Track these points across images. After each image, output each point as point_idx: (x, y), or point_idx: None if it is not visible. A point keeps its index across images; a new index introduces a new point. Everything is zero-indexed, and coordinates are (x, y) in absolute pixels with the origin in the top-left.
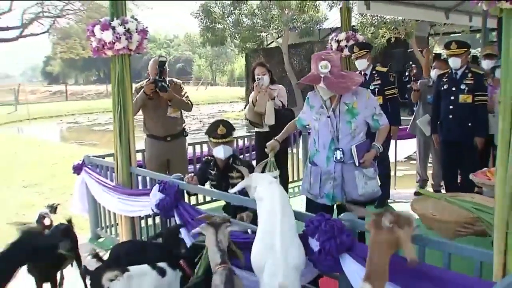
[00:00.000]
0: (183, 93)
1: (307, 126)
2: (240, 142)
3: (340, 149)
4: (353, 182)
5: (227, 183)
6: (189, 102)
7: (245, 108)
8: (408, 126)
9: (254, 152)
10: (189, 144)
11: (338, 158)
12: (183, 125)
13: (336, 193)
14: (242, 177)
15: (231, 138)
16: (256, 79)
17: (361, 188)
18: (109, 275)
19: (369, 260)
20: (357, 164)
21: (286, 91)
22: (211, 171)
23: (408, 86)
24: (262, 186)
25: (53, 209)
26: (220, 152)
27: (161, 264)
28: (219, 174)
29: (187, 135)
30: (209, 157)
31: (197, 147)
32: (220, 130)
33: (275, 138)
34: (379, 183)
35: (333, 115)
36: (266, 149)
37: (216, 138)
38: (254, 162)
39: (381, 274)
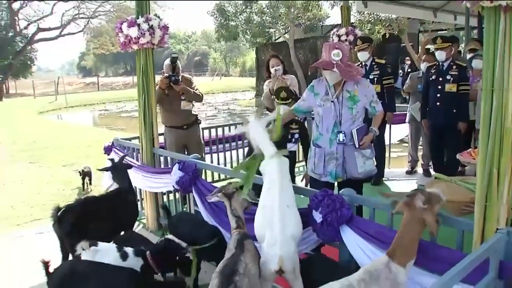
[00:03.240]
0: (193, 86)
1: (311, 112)
2: None
3: (343, 132)
4: (353, 161)
5: (287, 132)
6: (200, 94)
7: (255, 96)
8: (402, 113)
9: None
10: (205, 129)
11: (341, 140)
12: (196, 115)
13: (338, 171)
14: (299, 128)
15: (290, 101)
16: (272, 70)
17: (360, 167)
18: (83, 244)
19: (399, 238)
20: (357, 146)
21: None
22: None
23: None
24: (264, 151)
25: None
26: (281, 110)
27: (127, 249)
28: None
29: (200, 122)
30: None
31: (213, 131)
32: (282, 94)
33: None
34: (375, 163)
35: (337, 101)
36: None
37: (278, 99)
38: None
39: (409, 251)
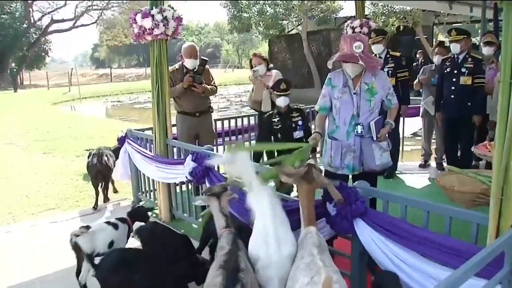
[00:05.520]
0: (211, 78)
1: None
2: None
3: (361, 124)
4: (371, 153)
5: (290, 121)
6: (215, 87)
7: (267, 88)
8: (416, 106)
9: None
10: (217, 120)
11: (359, 132)
12: (210, 103)
13: (355, 164)
14: (300, 115)
15: (289, 92)
16: (252, 70)
17: (378, 159)
18: (76, 231)
19: (307, 208)
20: (375, 139)
21: (305, 73)
22: (274, 119)
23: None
24: (250, 186)
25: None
26: (281, 101)
27: (113, 220)
28: (283, 117)
29: (213, 111)
30: (268, 112)
31: (225, 122)
32: (282, 86)
33: (316, 130)
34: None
35: (354, 93)
36: (310, 141)
37: (279, 91)
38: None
39: (313, 216)
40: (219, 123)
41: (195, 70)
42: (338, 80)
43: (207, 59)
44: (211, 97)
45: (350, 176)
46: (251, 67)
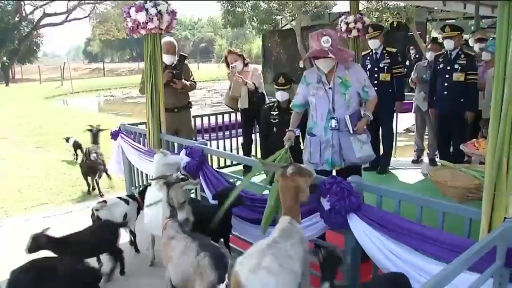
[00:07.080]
0: (190, 74)
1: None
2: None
3: (335, 118)
4: (350, 147)
5: (288, 117)
6: (194, 83)
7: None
8: (409, 102)
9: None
10: (211, 115)
11: (333, 126)
12: (189, 99)
13: (335, 159)
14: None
15: (288, 86)
16: (230, 67)
17: (358, 152)
18: (96, 205)
19: (283, 200)
20: (351, 132)
21: (298, 69)
22: (273, 112)
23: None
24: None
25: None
26: (279, 96)
27: (124, 197)
28: (282, 112)
29: (191, 107)
30: (269, 103)
31: (219, 117)
32: (280, 80)
33: (289, 129)
34: (382, 151)
35: (329, 88)
36: (284, 142)
37: (277, 85)
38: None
39: (295, 210)
40: (213, 118)
41: (173, 65)
42: (312, 76)
43: (186, 55)
44: (204, 92)
45: (334, 172)
46: (227, 64)
